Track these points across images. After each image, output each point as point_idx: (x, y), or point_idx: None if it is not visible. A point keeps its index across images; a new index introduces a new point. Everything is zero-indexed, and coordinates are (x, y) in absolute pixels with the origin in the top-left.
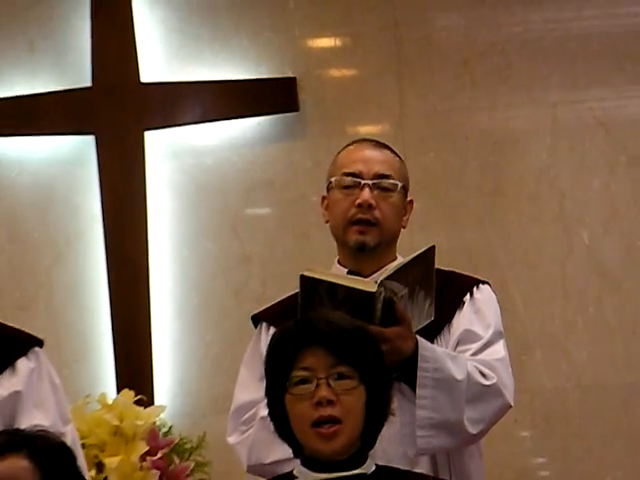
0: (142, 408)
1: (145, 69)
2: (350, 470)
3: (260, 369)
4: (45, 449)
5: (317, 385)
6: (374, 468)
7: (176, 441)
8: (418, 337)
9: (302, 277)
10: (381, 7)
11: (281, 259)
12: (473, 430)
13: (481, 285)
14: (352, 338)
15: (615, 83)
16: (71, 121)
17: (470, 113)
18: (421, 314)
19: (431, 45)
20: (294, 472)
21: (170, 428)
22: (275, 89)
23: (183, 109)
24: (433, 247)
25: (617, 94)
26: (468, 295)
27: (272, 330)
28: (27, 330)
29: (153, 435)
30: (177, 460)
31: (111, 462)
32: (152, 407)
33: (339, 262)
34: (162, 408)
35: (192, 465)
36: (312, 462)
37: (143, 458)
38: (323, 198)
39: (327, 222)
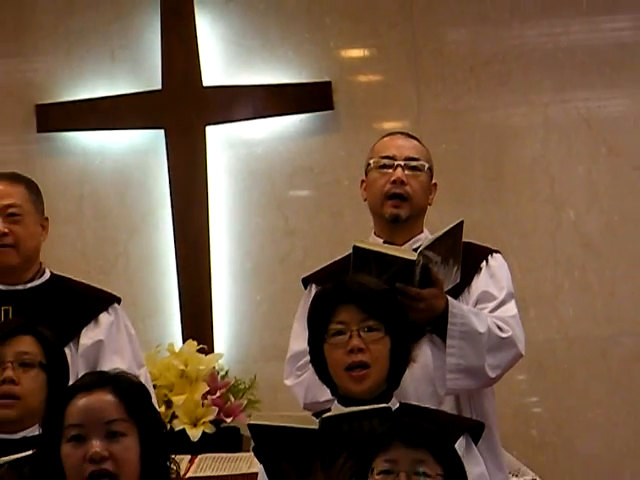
0: (204, 355)
1: (206, 74)
2: None
3: None
4: (126, 386)
5: (350, 336)
6: (398, 405)
7: (232, 383)
8: (448, 297)
9: (355, 247)
10: (402, 24)
11: (319, 233)
12: (492, 374)
13: (495, 254)
14: (379, 297)
15: (597, 86)
16: (144, 118)
17: (476, 112)
18: (450, 277)
19: (443, 55)
20: (332, 409)
21: (227, 372)
22: (314, 91)
23: (238, 108)
24: (461, 222)
25: (598, 95)
26: (484, 262)
27: None
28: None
29: (213, 378)
30: (232, 398)
31: (178, 400)
32: (212, 354)
33: (375, 233)
34: (220, 355)
35: (245, 402)
36: (346, 400)
37: (204, 397)
38: (362, 181)
39: (365, 200)
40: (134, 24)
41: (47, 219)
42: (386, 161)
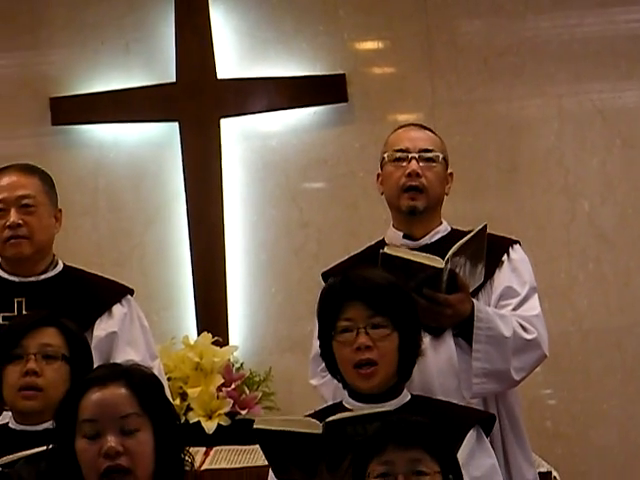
0: (218, 348)
1: (221, 67)
2: (387, 400)
3: None
4: (139, 379)
5: (357, 333)
6: (409, 398)
7: (247, 375)
8: (474, 301)
9: (383, 254)
10: (416, 15)
11: (333, 224)
12: (517, 377)
13: (515, 245)
14: (385, 292)
15: (611, 78)
16: (159, 110)
17: (490, 103)
18: (475, 278)
19: (457, 47)
20: (343, 402)
21: (242, 364)
22: (328, 84)
23: (252, 100)
24: (485, 226)
25: (613, 87)
26: (505, 256)
27: None
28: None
29: (228, 370)
30: (247, 390)
31: (193, 392)
32: (227, 347)
33: (393, 226)
34: (235, 347)
35: (260, 395)
36: (356, 394)
37: (219, 389)
38: (378, 175)
39: (382, 194)
40: (148, 16)
41: (60, 211)
42: (400, 154)
